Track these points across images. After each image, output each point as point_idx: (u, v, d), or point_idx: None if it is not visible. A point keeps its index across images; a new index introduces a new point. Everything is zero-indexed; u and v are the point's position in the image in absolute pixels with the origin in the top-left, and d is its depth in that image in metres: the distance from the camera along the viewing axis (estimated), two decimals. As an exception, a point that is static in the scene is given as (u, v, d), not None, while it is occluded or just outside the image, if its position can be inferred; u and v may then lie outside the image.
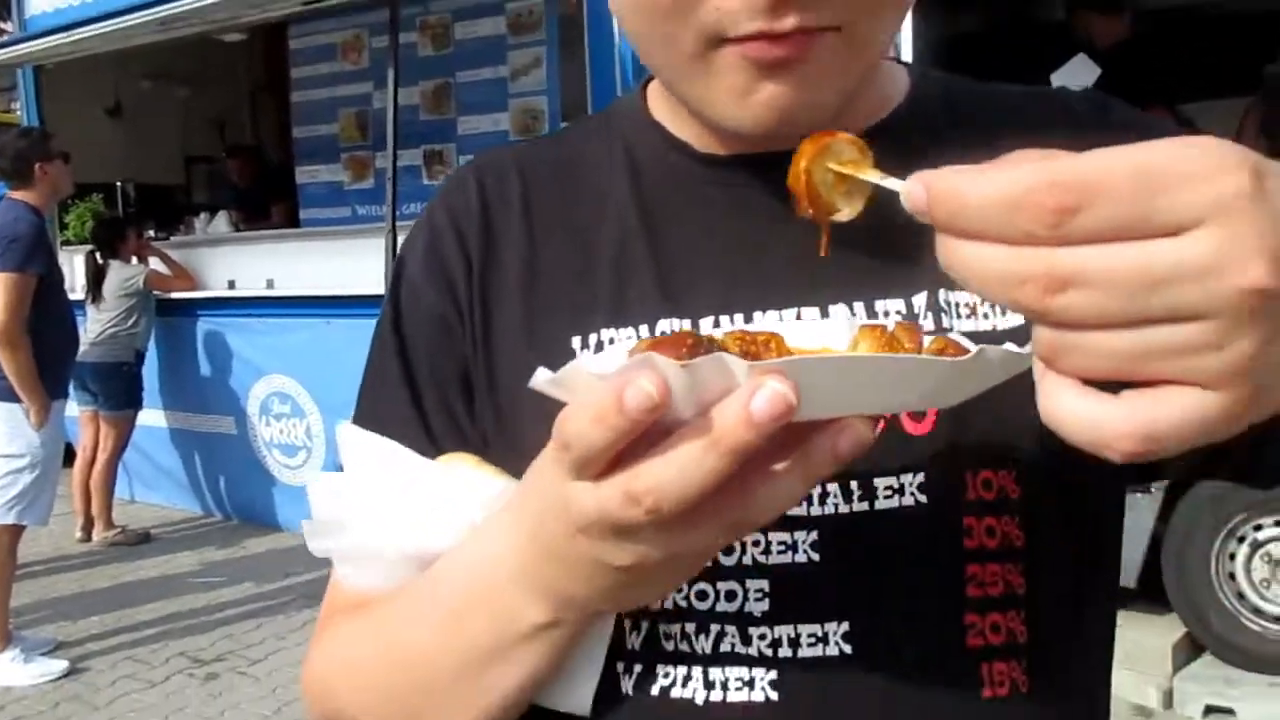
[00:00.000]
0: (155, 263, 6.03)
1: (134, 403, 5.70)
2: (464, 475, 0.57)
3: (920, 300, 0.61)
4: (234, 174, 7.72)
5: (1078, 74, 4.20)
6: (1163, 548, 3.34)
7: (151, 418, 6.09)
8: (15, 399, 4.09)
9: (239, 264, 6.11)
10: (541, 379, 0.43)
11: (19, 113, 7.51)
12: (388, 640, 0.60)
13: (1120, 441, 0.36)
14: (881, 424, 0.57)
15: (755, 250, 0.62)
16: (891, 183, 0.44)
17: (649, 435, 0.41)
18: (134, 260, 5.82)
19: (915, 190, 0.38)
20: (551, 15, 5.24)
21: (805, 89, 0.55)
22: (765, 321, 0.60)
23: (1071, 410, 0.37)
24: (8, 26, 12.96)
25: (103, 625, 4.44)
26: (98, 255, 5.69)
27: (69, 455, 4.90)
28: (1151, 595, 3.38)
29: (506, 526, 0.52)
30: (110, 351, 5.53)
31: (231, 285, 6.06)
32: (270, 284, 5.81)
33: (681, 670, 0.59)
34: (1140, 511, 3.27)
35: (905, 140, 0.61)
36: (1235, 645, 3.31)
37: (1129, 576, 3.24)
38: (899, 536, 0.58)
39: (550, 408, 0.44)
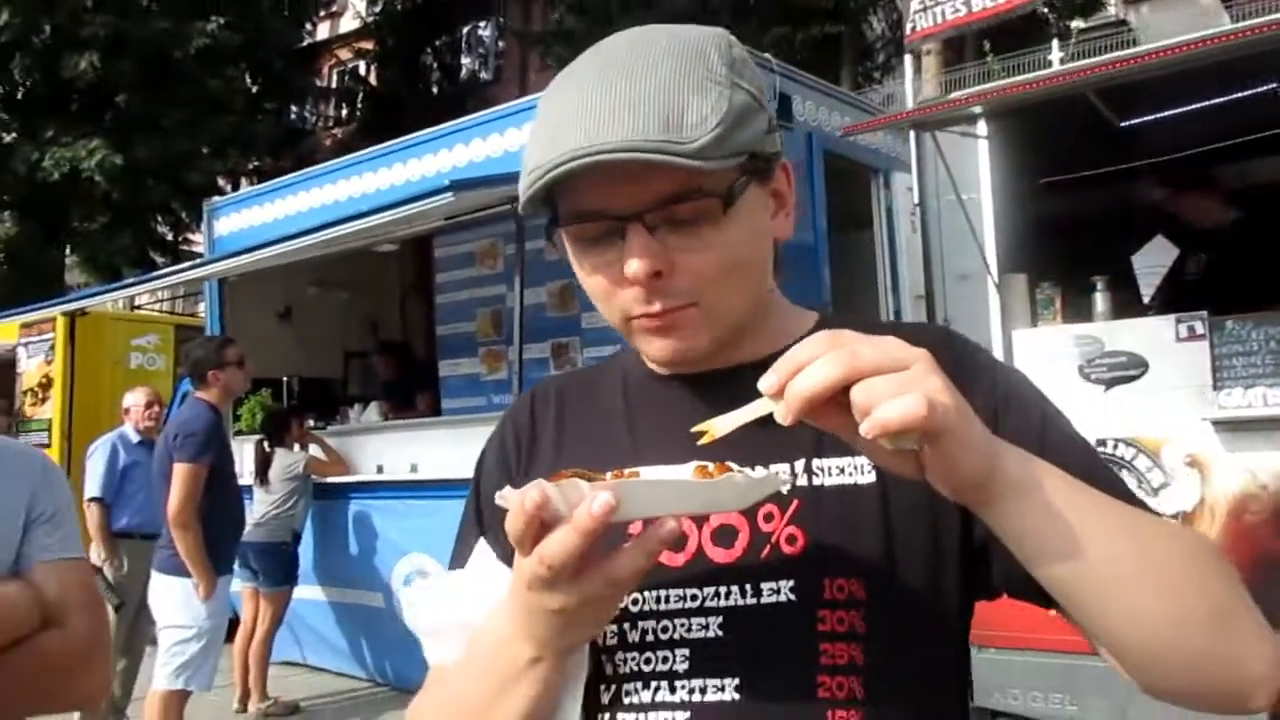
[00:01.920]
0: (314, 449, 6.53)
1: (290, 579, 6.10)
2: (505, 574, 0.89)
3: (800, 464, 0.91)
4: (381, 368, 8.31)
5: (1157, 255, 4.41)
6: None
7: (310, 592, 6.46)
8: (186, 574, 4.56)
9: (386, 450, 6.54)
10: (496, 497, 0.77)
11: (204, 316, 8.29)
12: (447, 689, 0.91)
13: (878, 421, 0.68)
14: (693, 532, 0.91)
15: (686, 431, 0.95)
16: (760, 405, 0.74)
17: (553, 527, 0.74)
18: (296, 447, 6.35)
19: (769, 380, 0.72)
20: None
21: (682, 341, 0.90)
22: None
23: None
24: (197, 237, 14.29)
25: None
26: (265, 444, 6.21)
27: (233, 627, 5.33)
28: None
29: (507, 600, 0.84)
30: (271, 532, 5.98)
31: (380, 470, 6.49)
32: (414, 468, 6.23)
33: (632, 716, 0.89)
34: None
35: None
36: None
37: None
38: (776, 621, 0.87)
39: None
